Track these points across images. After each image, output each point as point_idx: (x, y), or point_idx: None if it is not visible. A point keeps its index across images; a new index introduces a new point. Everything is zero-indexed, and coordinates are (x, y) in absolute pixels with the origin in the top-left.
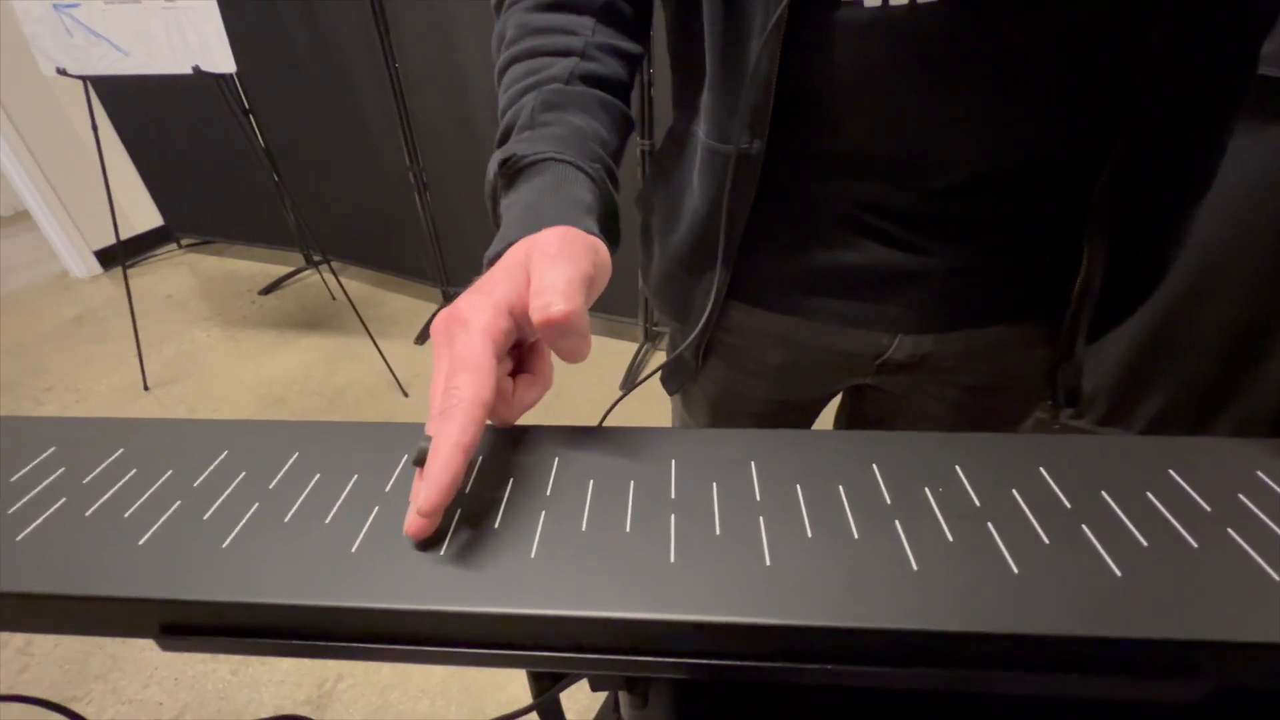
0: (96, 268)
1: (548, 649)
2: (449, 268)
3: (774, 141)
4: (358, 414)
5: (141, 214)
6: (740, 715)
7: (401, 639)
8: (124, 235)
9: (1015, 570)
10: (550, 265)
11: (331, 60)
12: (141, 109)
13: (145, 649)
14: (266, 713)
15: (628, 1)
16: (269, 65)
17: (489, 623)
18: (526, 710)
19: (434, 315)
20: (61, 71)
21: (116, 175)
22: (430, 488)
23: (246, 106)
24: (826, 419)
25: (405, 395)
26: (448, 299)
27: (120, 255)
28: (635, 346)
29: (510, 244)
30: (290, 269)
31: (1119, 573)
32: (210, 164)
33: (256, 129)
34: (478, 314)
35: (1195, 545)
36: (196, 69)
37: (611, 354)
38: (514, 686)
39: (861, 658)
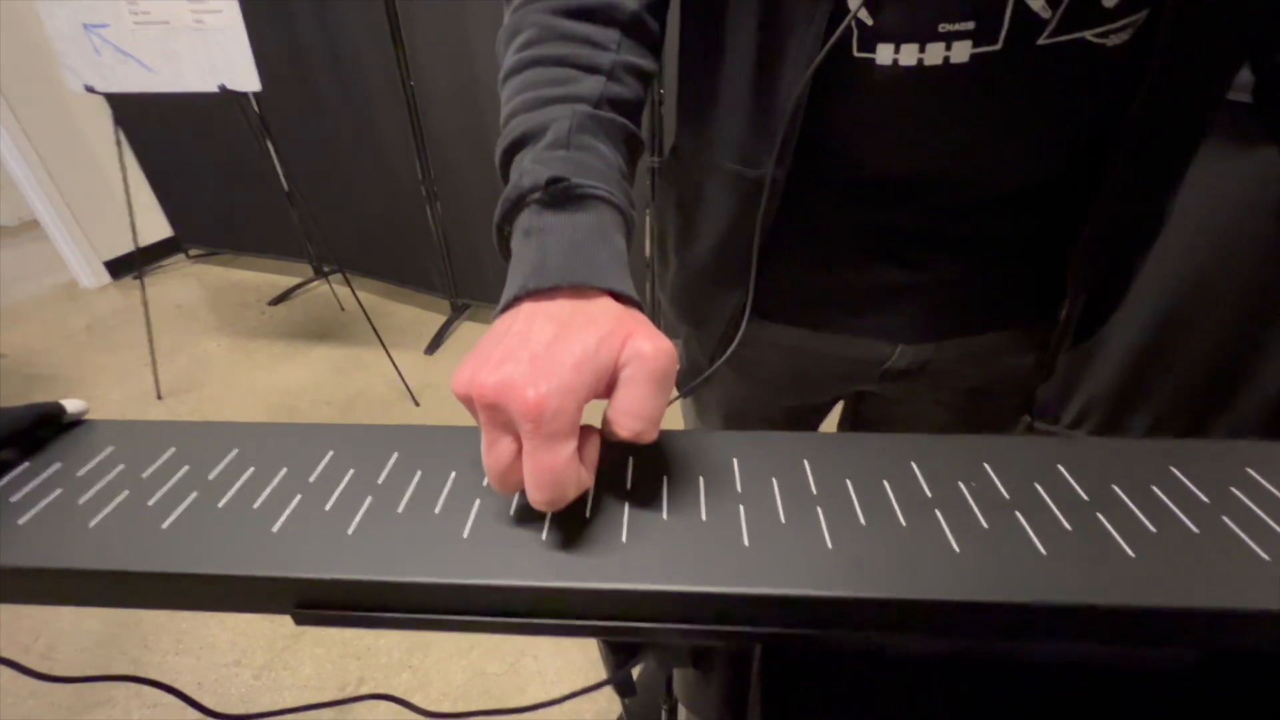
0: (105, 278)
1: (640, 620)
2: (458, 279)
3: (795, 169)
4: (370, 423)
5: (150, 225)
6: (789, 687)
7: (509, 613)
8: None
9: (1043, 552)
10: (654, 389)
11: (347, 75)
12: (152, 121)
13: (167, 654)
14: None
15: (653, 15)
16: (284, 80)
17: (588, 598)
18: (604, 683)
19: (444, 325)
20: (89, 89)
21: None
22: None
23: (261, 120)
24: (830, 423)
25: (416, 404)
26: (456, 310)
27: (138, 262)
28: None
29: (564, 284)
30: (299, 280)
31: (1132, 554)
32: (219, 175)
33: (270, 142)
34: (572, 424)
35: (1196, 531)
36: (222, 87)
37: None
38: (533, 689)
39: (910, 626)
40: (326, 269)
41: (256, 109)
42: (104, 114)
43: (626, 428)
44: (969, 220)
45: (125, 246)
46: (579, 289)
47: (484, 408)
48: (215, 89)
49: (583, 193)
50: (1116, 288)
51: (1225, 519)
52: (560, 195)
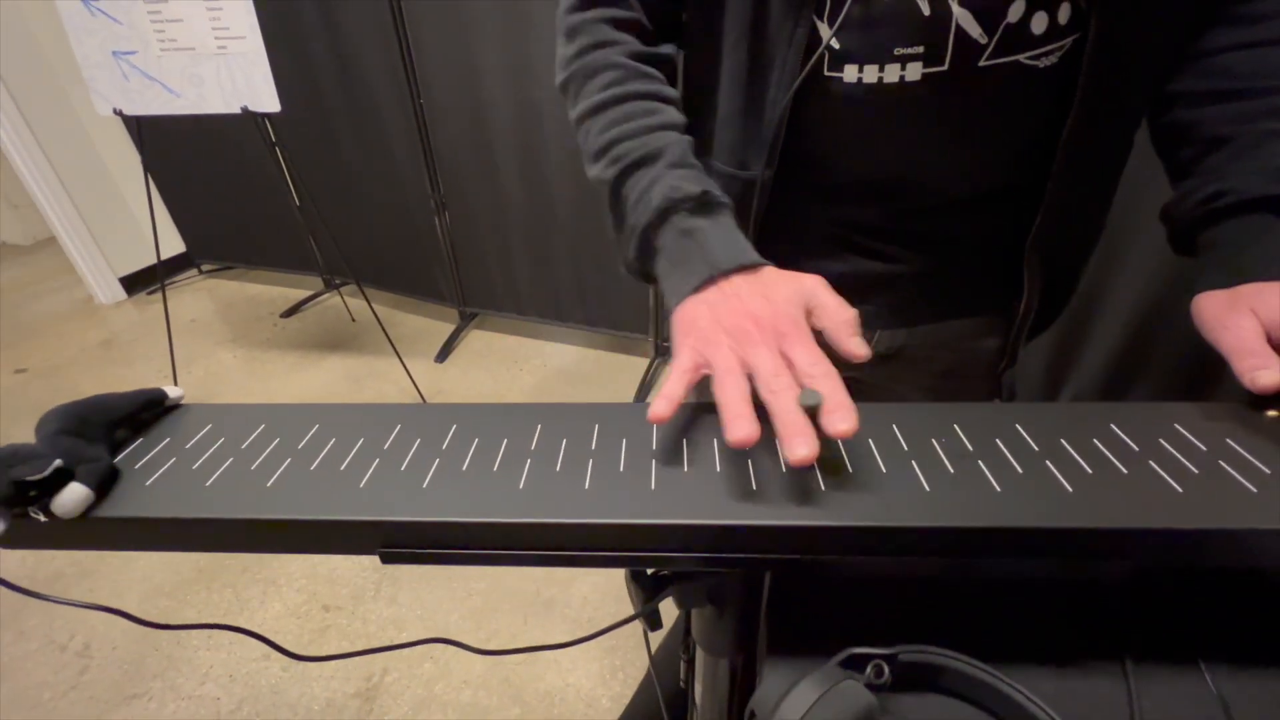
0: (121, 293)
1: (666, 551)
2: (466, 288)
3: (780, 172)
4: None
5: (164, 240)
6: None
7: (559, 546)
8: (148, 262)
9: (998, 489)
10: (833, 294)
11: (357, 93)
12: (165, 139)
13: (199, 649)
14: (319, 705)
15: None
16: (296, 97)
17: (623, 532)
18: (634, 617)
19: (454, 334)
20: (117, 112)
21: (140, 202)
22: (848, 415)
23: (274, 139)
24: None
25: None
26: (464, 318)
27: (160, 275)
28: (646, 362)
29: (741, 264)
30: (310, 292)
31: (1070, 489)
32: (230, 191)
33: (282, 158)
34: (805, 325)
35: (1125, 471)
36: (245, 109)
37: (624, 369)
38: (551, 676)
39: (888, 549)
40: (337, 281)
41: (270, 127)
42: (119, 134)
43: (849, 309)
44: (932, 220)
45: (140, 262)
46: (745, 268)
47: (735, 331)
48: (238, 110)
49: (720, 201)
50: (1066, 283)
51: (1151, 462)
52: (706, 204)
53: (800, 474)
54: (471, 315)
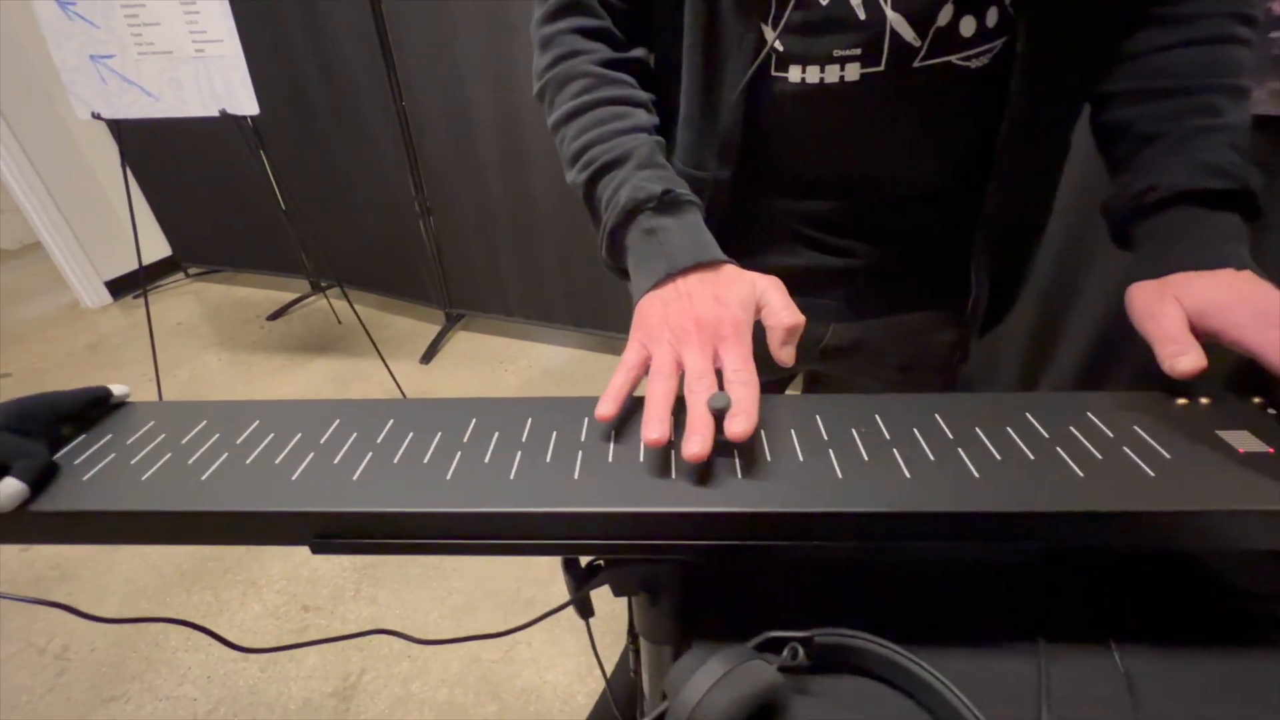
0: (107, 298)
1: (591, 538)
2: (452, 290)
3: (737, 171)
4: None
5: (149, 244)
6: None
7: (485, 535)
8: (134, 265)
9: (908, 475)
10: (784, 296)
11: (341, 97)
12: (150, 142)
13: (177, 651)
14: (295, 705)
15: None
16: (281, 102)
17: (549, 520)
18: (566, 605)
19: (439, 335)
20: (96, 116)
21: (125, 206)
22: (745, 421)
23: (259, 141)
24: None
25: None
26: (450, 320)
27: (142, 280)
28: None
29: (699, 262)
30: (297, 295)
31: (977, 475)
32: (217, 194)
33: (266, 162)
34: (746, 329)
35: (1032, 458)
36: (223, 112)
37: (610, 369)
38: (528, 673)
39: (808, 535)
40: (324, 284)
41: (254, 130)
42: (104, 137)
43: (790, 317)
44: (883, 215)
45: (126, 266)
46: (703, 265)
47: (678, 331)
48: (216, 114)
49: (684, 200)
50: (1013, 278)
51: (1058, 449)
52: (670, 202)
53: (720, 464)
54: (458, 317)
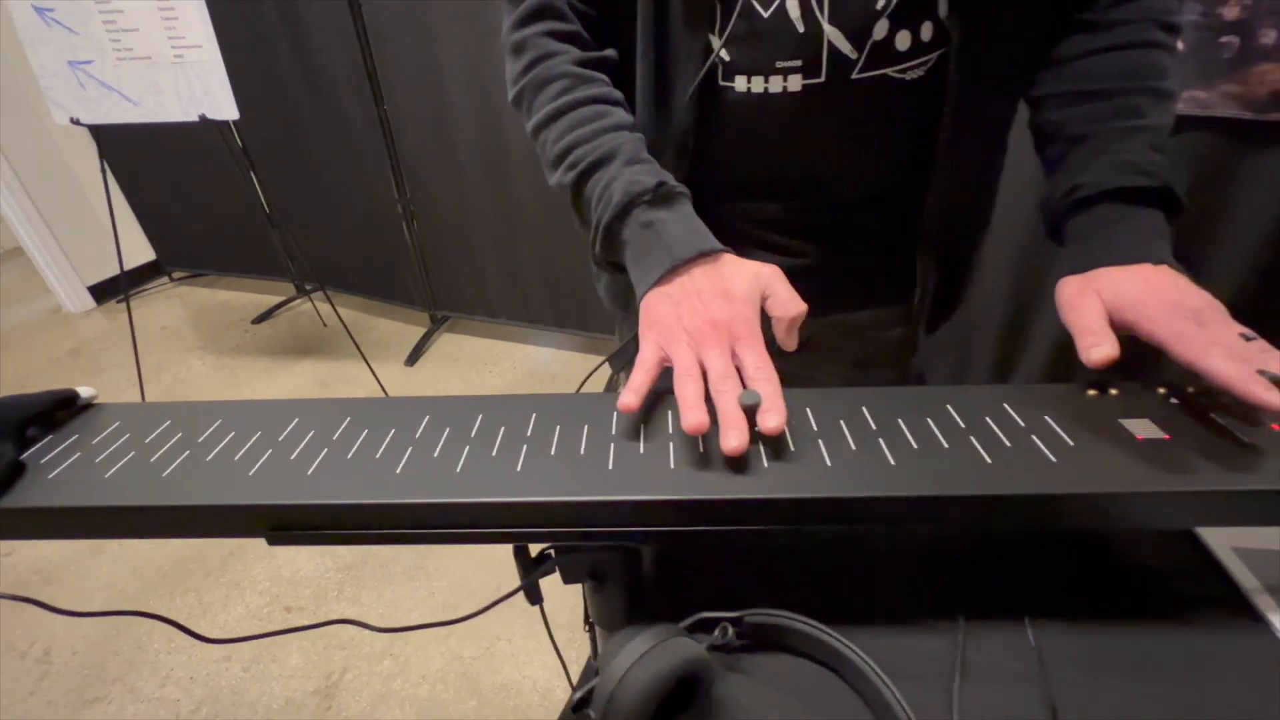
0: (90, 302)
1: (532, 526)
2: (436, 292)
3: (690, 173)
4: None
5: (133, 248)
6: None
7: (433, 525)
8: (117, 270)
9: (829, 464)
10: (788, 287)
11: (323, 101)
12: (133, 147)
13: (160, 653)
14: (278, 704)
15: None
16: (263, 106)
17: (493, 509)
18: (515, 591)
19: (424, 337)
20: (75, 121)
21: (107, 210)
22: (777, 416)
23: (242, 145)
24: None
25: None
26: (435, 322)
27: (124, 284)
28: None
29: (700, 252)
30: (281, 298)
31: (893, 462)
32: (200, 198)
33: (250, 166)
34: (758, 326)
35: (946, 446)
36: (203, 117)
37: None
38: (508, 669)
39: (738, 520)
40: (308, 287)
41: (237, 135)
42: (86, 142)
43: (795, 307)
44: (830, 216)
45: (109, 271)
46: (704, 255)
47: (694, 333)
48: (195, 119)
49: (677, 191)
50: (957, 276)
51: (971, 438)
52: (664, 194)
53: (652, 456)
54: (443, 319)
